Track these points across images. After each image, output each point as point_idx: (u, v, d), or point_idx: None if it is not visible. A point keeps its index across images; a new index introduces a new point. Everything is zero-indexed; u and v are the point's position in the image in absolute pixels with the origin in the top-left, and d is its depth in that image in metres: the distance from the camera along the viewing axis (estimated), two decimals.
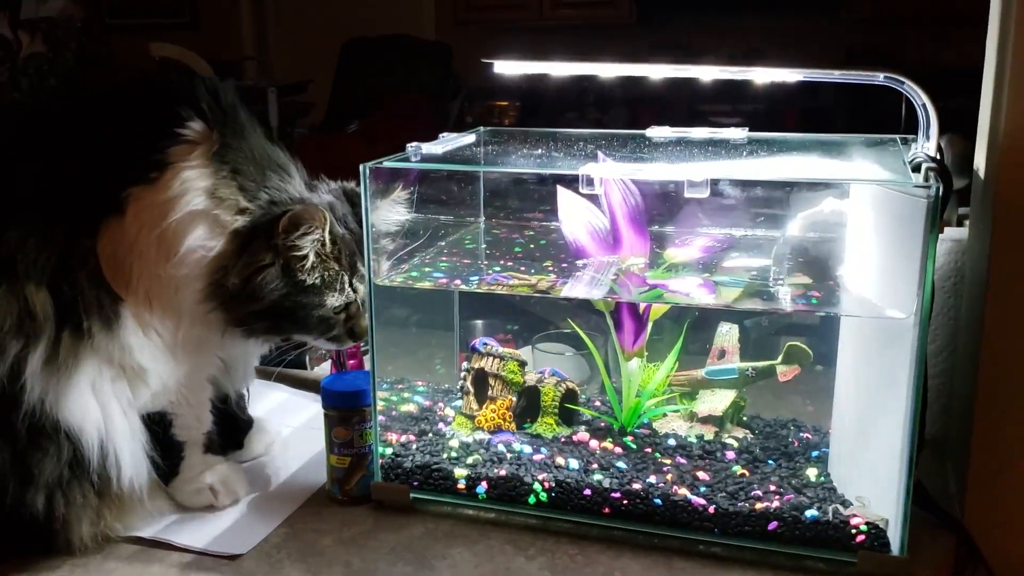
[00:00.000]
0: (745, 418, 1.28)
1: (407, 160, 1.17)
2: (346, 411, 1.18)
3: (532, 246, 1.39)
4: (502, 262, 1.33)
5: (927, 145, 1.08)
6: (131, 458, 1.09)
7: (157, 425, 1.14)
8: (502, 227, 1.46)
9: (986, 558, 1.06)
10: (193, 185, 1.06)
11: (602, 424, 1.27)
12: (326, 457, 1.21)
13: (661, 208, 1.28)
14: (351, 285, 1.14)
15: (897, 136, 1.23)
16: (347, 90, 3.77)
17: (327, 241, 1.11)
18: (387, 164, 1.15)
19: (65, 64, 2.74)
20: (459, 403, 1.33)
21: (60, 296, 1.04)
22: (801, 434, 1.26)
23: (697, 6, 5.07)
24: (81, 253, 1.05)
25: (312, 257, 1.10)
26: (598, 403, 1.34)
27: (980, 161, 1.15)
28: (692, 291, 1.12)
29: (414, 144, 1.20)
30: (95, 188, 1.07)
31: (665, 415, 1.27)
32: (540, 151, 1.30)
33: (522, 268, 1.30)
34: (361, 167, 1.11)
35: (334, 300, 1.13)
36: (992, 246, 1.04)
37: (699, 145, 1.27)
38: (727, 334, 1.28)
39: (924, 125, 1.09)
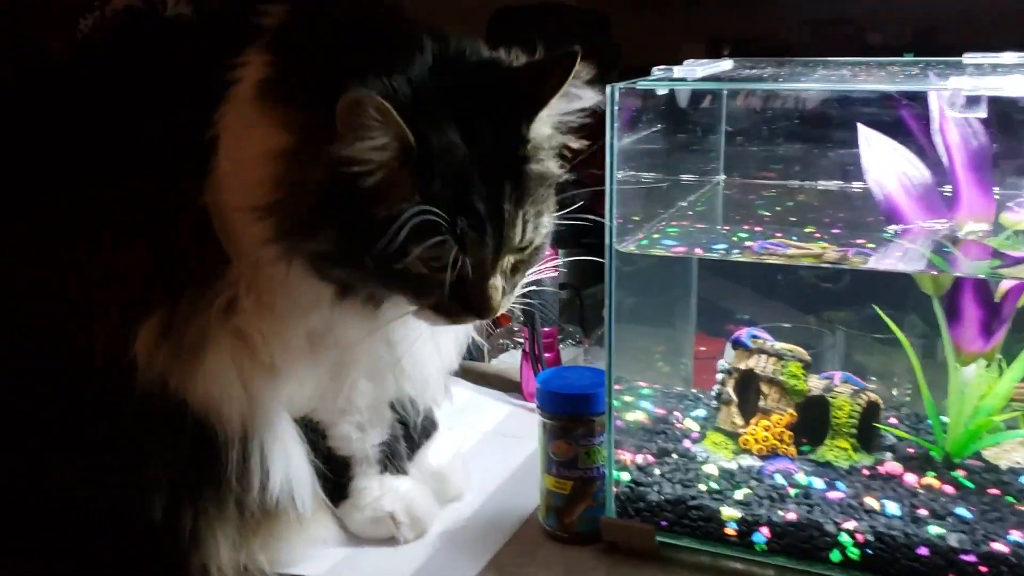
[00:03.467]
0: None
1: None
2: (570, 419, 0.88)
3: (778, 208, 1.07)
4: (747, 227, 1.01)
5: None
6: (283, 463, 0.83)
7: (311, 432, 0.87)
8: (742, 186, 1.14)
9: None
10: None
11: (911, 451, 0.93)
12: (540, 478, 0.91)
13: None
14: (455, 229, 0.70)
15: None
16: None
17: (394, 149, 0.69)
18: (642, 84, 0.84)
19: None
20: (701, 413, 1.01)
21: (170, 257, 0.77)
22: None
23: None
24: (186, 203, 0.77)
25: (378, 173, 0.69)
26: (892, 419, 1.00)
27: None
28: None
29: (662, 67, 0.89)
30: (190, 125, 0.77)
31: (1001, 444, 0.92)
32: (830, 76, 0.97)
33: (777, 234, 0.98)
34: (608, 88, 0.81)
35: (417, 249, 0.70)
36: None
37: None
38: None
39: None
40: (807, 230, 0.97)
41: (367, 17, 0.80)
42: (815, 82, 0.93)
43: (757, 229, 1.00)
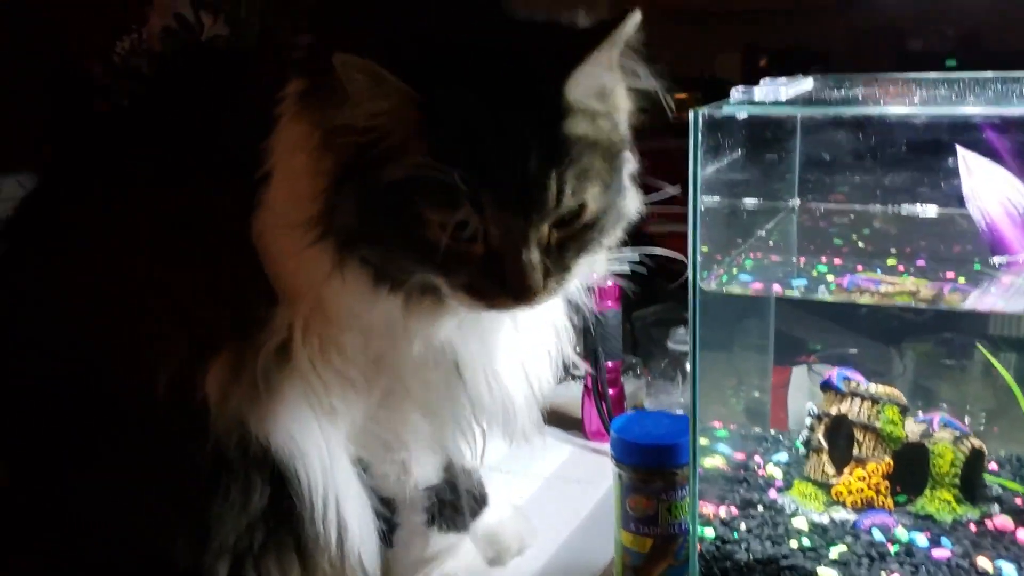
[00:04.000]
0: None
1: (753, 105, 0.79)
2: (650, 472, 0.82)
3: (854, 236, 1.00)
4: (824, 259, 0.95)
5: None
6: (359, 516, 0.77)
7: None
8: (816, 212, 1.07)
9: None
10: None
11: (1020, 503, 0.85)
12: (616, 532, 0.84)
13: None
14: (472, 189, 0.63)
15: None
16: None
17: (397, 110, 0.64)
18: (728, 110, 0.78)
19: (247, 45, 2.55)
20: (782, 457, 0.94)
21: (236, 292, 0.73)
22: None
23: None
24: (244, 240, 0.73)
25: (387, 137, 0.65)
26: (992, 465, 0.92)
27: None
28: None
29: (742, 87, 0.83)
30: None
31: None
32: (919, 97, 0.90)
33: (858, 267, 0.91)
34: (692, 112, 0.75)
35: (433, 213, 0.64)
36: None
37: None
38: None
39: None
40: (889, 263, 0.91)
41: None
42: (916, 107, 0.86)
43: (836, 261, 0.94)
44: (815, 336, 1.18)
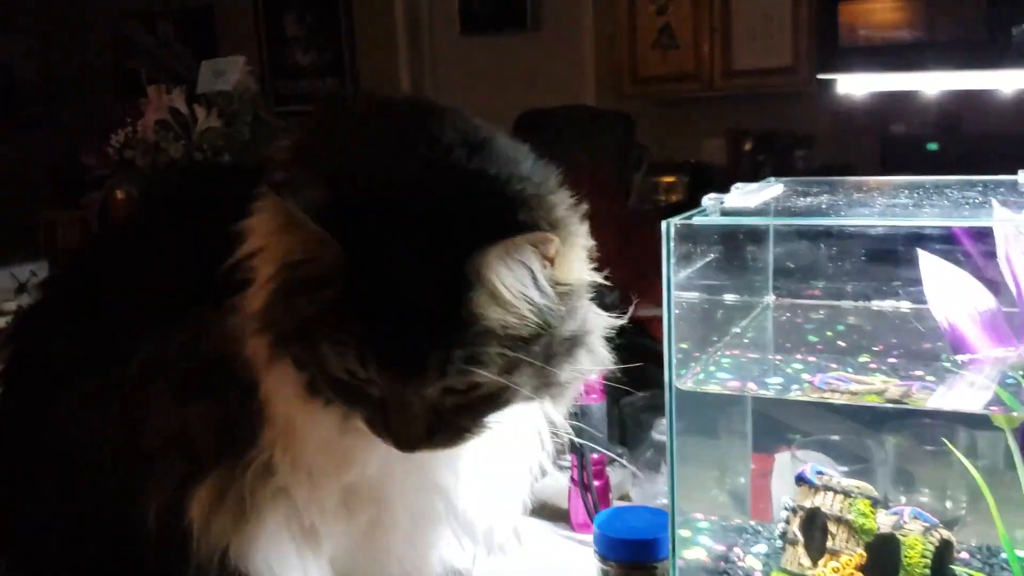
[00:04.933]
0: None
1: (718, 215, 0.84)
2: (632, 566, 0.85)
3: (829, 333, 1.04)
4: (799, 356, 0.98)
5: None
6: None
7: None
8: (791, 308, 1.11)
9: None
10: None
11: None
12: None
13: None
14: (356, 346, 0.66)
15: None
16: None
17: (318, 252, 0.67)
18: (699, 221, 0.83)
19: (240, 138, 2.60)
20: (762, 548, 0.96)
21: (223, 417, 0.74)
22: None
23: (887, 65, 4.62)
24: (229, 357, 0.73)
25: (310, 267, 0.68)
26: (963, 554, 0.95)
27: None
28: None
29: (712, 196, 0.88)
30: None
31: None
32: (883, 203, 0.95)
33: (831, 365, 0.95)
34: (664, 224, 0.80)
35: (332, 352, 0.67)
36: None
37: None
38: None
39: None
40: (862, 360, 0.95)
41: (380, 124, 0.77)
42: (874, 215, 0.91)
43: (810, 359, 0.98)
44: (796, 424, 1.21)
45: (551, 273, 0.68)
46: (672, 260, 0.80)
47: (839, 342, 1.01)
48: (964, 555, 0.94)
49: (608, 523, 0.87)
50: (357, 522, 0.78)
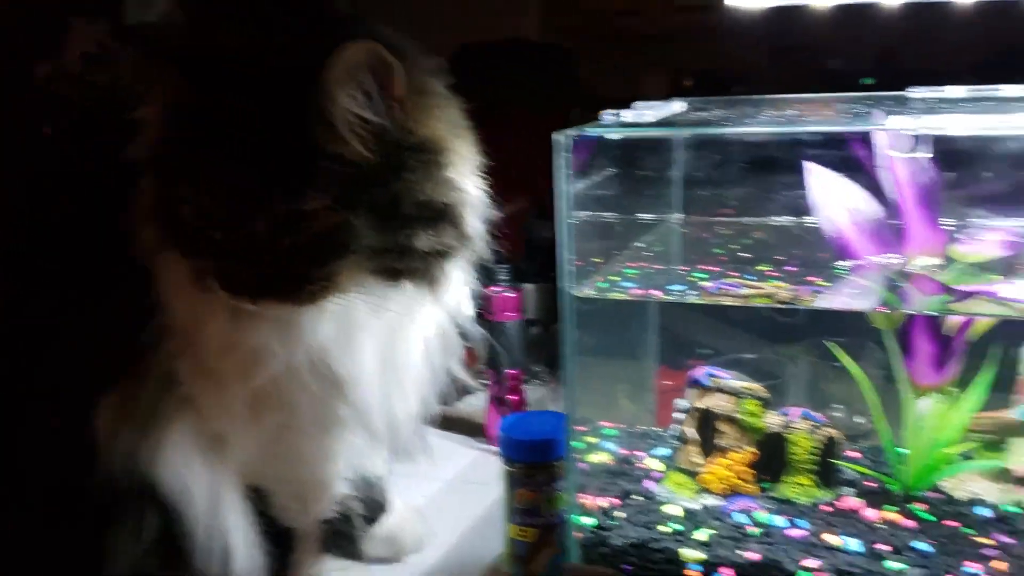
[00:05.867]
0: None
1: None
2: (532, 466, 0.88)
3: (734, 247, 1.08)
4: (705, 268, 1.02)
5: None
6: (245, 547, 0.79)
7: (253, 501, 0.83)
8: (698, 225, 1.15)
9: None
10: None
11: (873, 485, 0.93)
12: (504, 525, 0.90)
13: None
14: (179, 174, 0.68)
15: None
16: (463, 97, 3.48)
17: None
18: (590, 131, 0.85)
19: None
20: (666, 451, 1.01)
21: (127, 323, 0.74)
22: None
23: None
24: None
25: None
26: (854, 454, 1.00)
27: None
28: None
29: (611, 112, 0.90)
30: None
31: (960, 474, 0.93)
32: (778, 116, 0.98)
33: (731, 273, 0.99)
34: (555, 136, 0.82)
35: (173, 202, 0.69)
36: None
37: (987, 108, 0.93)
38: None
39: None
40: (762, 268, 0.98)
41: None
42: (761, 125, 0.94)
43: (715, 269, 1.01)
44: (706, 340, 1.25)
45: (403, 119, 0.69)
46: (566, 172, 0.82)
47: (742, 254, 1.04)
48: (855, 454, 0.99)
49: (512, 427, 0.90)
50: (264, 428, 0.79)
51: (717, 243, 1.09)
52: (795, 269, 0.98)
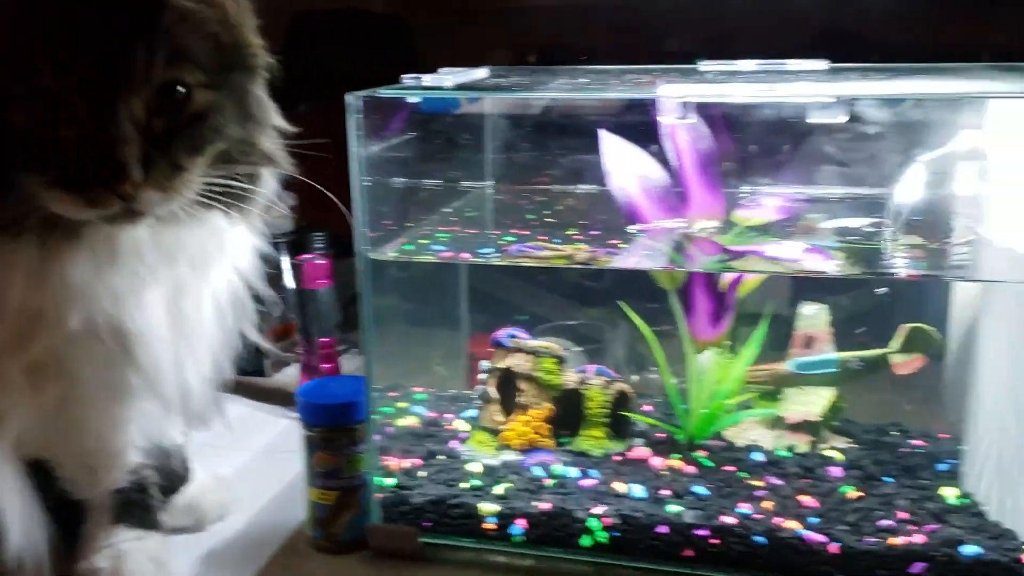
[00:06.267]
0: (837, 423, 1.01)
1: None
2: (332, 430, 0.88)
3: (547, 212, 1.11)
4: (515, 232, 1.05)
5: None
6: (21, 524, 0.75)
7: (40, 474, 0.79)
8: (510, 192, 1.18)
9: None
10: None
11: (662, 435, 0.99)
12: (306, 490, 0.90)
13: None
14: (46, 51, 0.59)
15: None
16: (297, 69, 3.40)
17: None
18: (384, 93, 0.86)
19: None
20: (474, 413, 1.03)
21: None
22: (910, 441, 0.99)
23: None
24: None
25: None
26: (647, 407, 1.06)
27: None
28: (800, 257, 0.84)
29: (412, 75, 0.91)
30: None
31: (740, 422, 0.99)
32: (577, 82, 1.01)
33: (540, 237, 1.02)
34: (348, 97, 0.82)
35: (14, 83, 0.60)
36: None
37: (769, 80, 0.99)
38: (813, 317, 1.00)
39: None
40: (569, 232, 1.02)
41: None
42: (547, 91, 0.97)
43: (524, 233, 1.04)
44: (521, 307, 1.29)
45: (236, 12, 0.68)
46: (357, 134, 0.82)
47: (552, 219, 1.07)
48: (649, 407, 1.05)
49: (310, 392, 0.90)
50: (45, 399, 0.75)
51: (530, 209, 1.12)
52: (599, 233, 1.02)
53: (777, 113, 0.94)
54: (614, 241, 0.99)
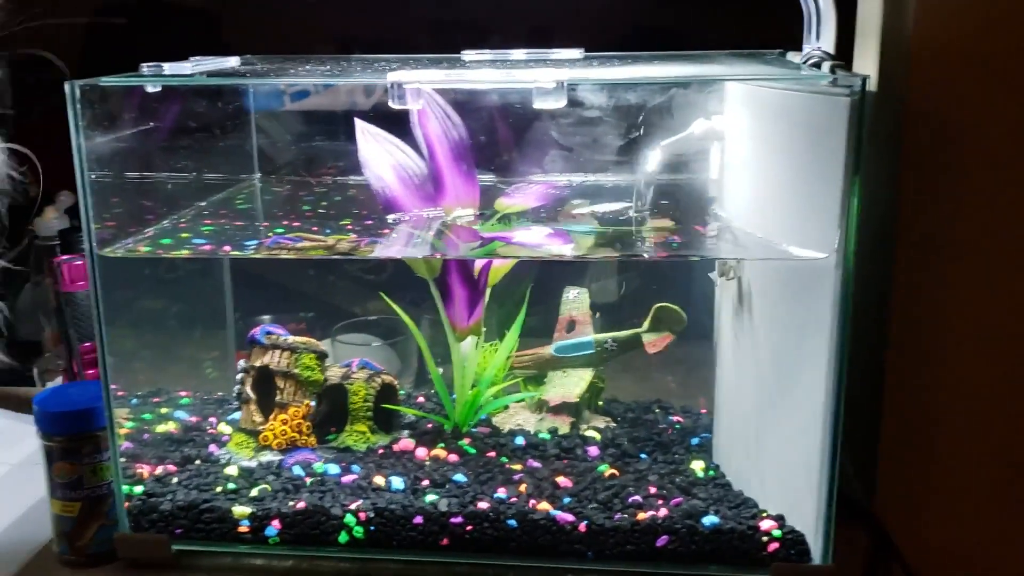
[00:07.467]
0: (602, 403, 1.04)
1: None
2: (71, 438, 0.84)
3: (324, 203, 1.09)
4: (286, 223, 1.02)
5: (820, 46, 0.87)
6: None
7: None
8: (285, 184, 1.16)
9: (901, 551, 0.86)
10: None
11: (430, 426, 0.99)
12: (49, 503, 0.85)
13: (481, 152, 1.01)
14: None
15: (777, 51, 1.01)
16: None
17: None
18: (107, 82, 0.81)
19: None
20: (238, 415, 1.00)
21: None
22: (670, 418, 1.03)
23: None
24: None
25: None
26: (421, 399, 1.06)
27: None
28: (543, 242, 0.85)
29: (152, 63, 0.87)
30: None
31: (507, 407, 1.00)
32: (327, 70, 0.99)
33: (313, 229, 1.00)
34: (67, 85, 0.78)
35: None
36: (900, 185, 0.84)
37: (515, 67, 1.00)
38: (575, 301, 1.03)
39: (813, 21, 0.88)
40: (343, 223, 1.00)
41: None
42: (287, 78, 0.95)
43: (296, 224, 1.01)
44: (293, 306, 1.27)
45: None
46: (77, 124, 0.78)
47: (328, 211, 1.05)
48: (421, 399, 1.04)
49: (46, 400, 0.85)
50: None
51: (309, 201, 1.09)
52: (372, 223, 1.00)
53: (510, 100, 0.95)
54: (386, 231, 0.98)
